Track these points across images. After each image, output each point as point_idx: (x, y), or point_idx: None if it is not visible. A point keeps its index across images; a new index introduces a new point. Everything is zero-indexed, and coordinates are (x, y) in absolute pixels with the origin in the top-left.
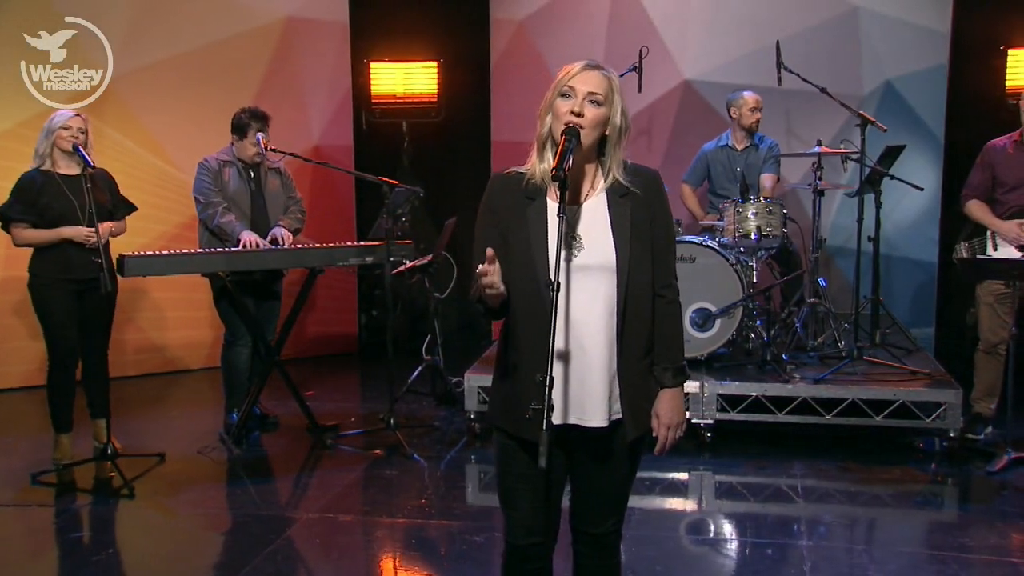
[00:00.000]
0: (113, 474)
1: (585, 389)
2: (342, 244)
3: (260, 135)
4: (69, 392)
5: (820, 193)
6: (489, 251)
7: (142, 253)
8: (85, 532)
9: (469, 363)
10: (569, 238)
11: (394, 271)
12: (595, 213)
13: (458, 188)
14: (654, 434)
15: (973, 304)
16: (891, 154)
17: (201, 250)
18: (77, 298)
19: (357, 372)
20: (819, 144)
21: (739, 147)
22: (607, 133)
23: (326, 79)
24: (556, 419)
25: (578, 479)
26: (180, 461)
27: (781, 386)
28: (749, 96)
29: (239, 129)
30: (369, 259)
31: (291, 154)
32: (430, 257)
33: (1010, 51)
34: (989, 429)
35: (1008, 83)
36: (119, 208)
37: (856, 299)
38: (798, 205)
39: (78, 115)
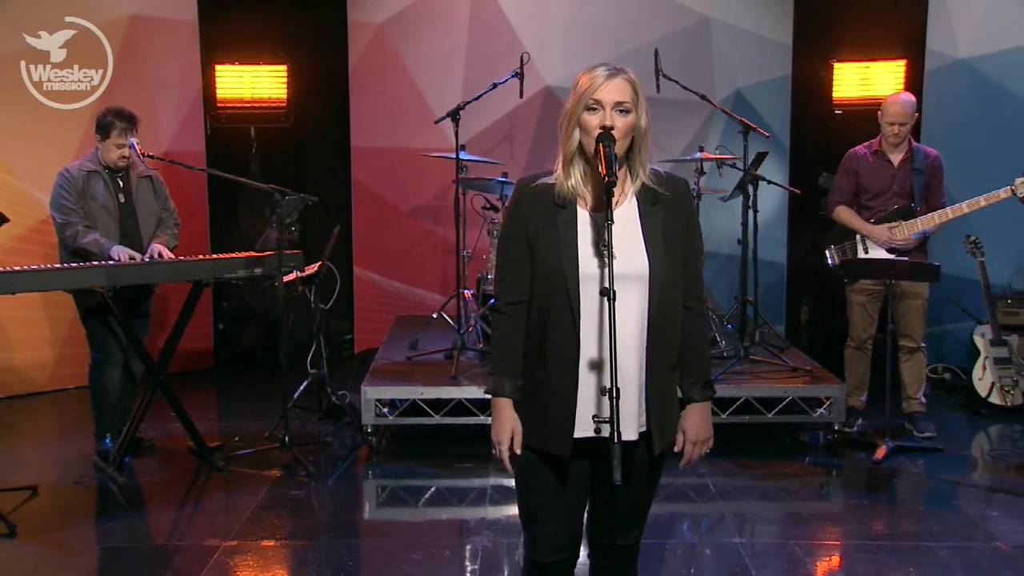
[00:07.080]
0: None
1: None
2: (230, 255)
3: (134, 141)
4: None
5: (698, 197)
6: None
7: (7, 269)
8: None
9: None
10: (600, 248)
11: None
12: (626, 222)
13: (315, 195)
14: (677, 449)
15: (806, 303)
16: (760, 160)
17: (79, 264)
18: None
19: (214, 389)
20: (701, 150)
21: None
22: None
23: (176, 82)
24: (587, 432)
25: (602, 492)
26: (57, 493)
27: None
28: None
29: (102, 129)
30: (258, 271)
31: (170, 160)
32: (317, 266)
33: (836, 65)
34: (860, 421)
35: (835, 95)
36: None
37: (743, 300)
38: None
39: None
